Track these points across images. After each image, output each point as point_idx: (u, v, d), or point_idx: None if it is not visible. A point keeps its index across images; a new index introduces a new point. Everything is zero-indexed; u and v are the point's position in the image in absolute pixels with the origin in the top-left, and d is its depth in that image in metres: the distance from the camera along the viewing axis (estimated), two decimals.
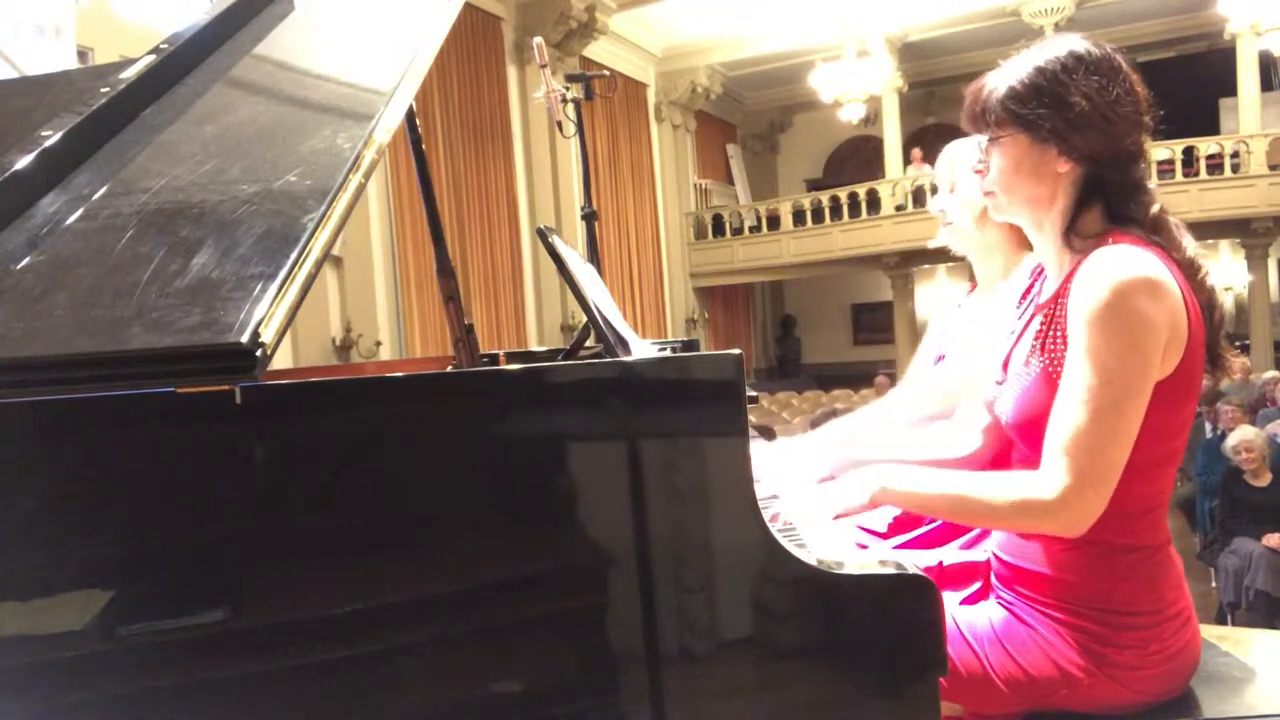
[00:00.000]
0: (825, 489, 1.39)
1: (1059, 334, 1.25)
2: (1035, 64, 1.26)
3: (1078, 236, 1.27)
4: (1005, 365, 1.39)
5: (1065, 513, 1.16)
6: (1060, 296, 1.27)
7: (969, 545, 1.60)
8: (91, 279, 1.02)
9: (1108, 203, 1.27)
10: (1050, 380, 1.24)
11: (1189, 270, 1.23)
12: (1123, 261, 1.18)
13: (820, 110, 13.37)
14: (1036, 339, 1.30)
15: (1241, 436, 5.04)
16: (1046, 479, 1.18)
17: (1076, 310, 1.20)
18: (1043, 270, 1.40)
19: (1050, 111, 1.23)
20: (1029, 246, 1.83)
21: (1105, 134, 1.23)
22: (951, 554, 1.53)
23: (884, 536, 1.79)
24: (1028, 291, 1.44)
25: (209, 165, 1.21)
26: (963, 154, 1.82)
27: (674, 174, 13.65)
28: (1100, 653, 1.24)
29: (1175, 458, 1.27)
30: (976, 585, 1.44)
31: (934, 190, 1.94)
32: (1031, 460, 1.29)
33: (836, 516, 1.36)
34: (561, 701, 1.06)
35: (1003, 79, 1.29)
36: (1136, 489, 1.21)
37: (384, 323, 8.33)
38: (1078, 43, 1.27)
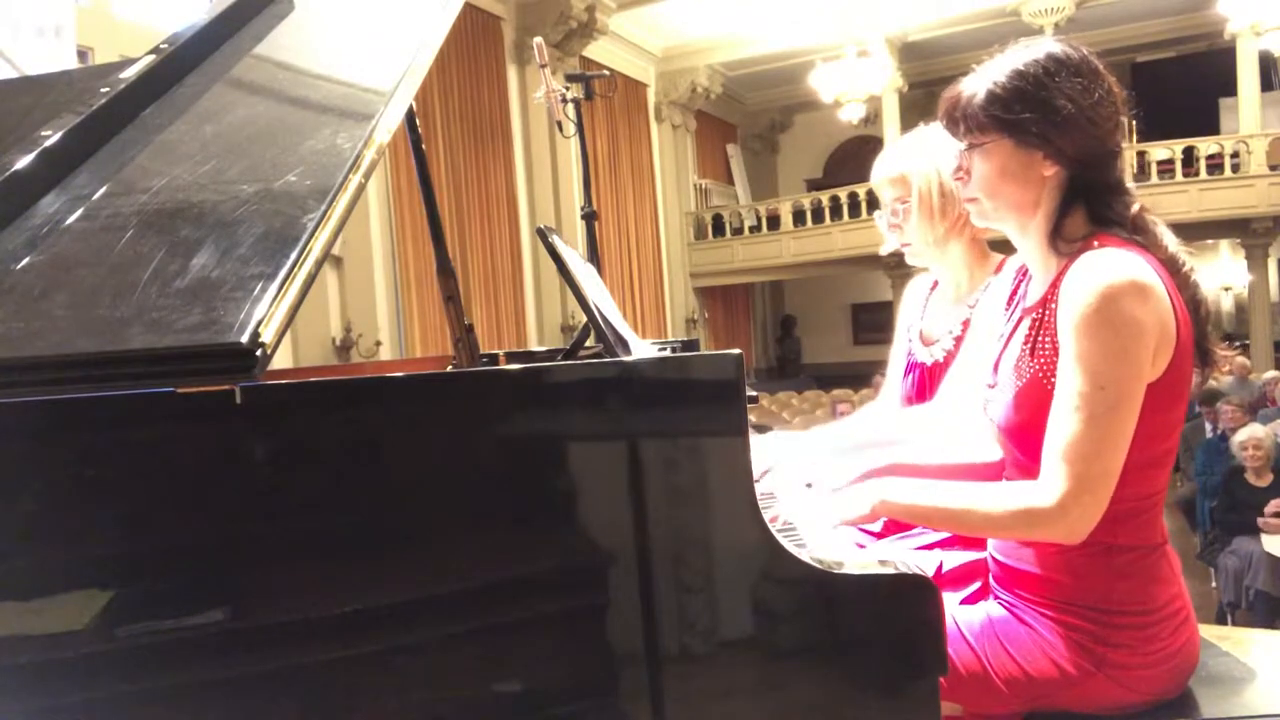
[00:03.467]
0: (827, 499, 1.39)
1: (1048, 338, 1.25)
2: (1015, 67, 1.25)
3: (1063, 240, 1.27)
4: (995, 369, 1.39)
5: (1064, 520, 1.16)
6: (1048, 300, 1.27)
7: (965, 545, 1.60)
8: (91, 279, 1.02)
9: (1090, 204, 1.27)
10: (1041, 385, 1.24)
11: (1172, 267, 1.24)
12: (1109, 265, 1.18)
13: (820, 110, 13.37)
14: (1026, 343, 1.30)
15: (1251, 433, 5.04)
16: (1044, 488, 1.18)
17: (1065, 316, 1.19)
18: (1027, 272, 1.40)
19: (1035, 115, 1.23)
20: (987, 257, 1.82)
21: (1090, 135, 1.23)
22: (951, 555, 1.53)
23: (879, 537, 1.79)
24: (1013, 294, 1.43)
25: (209, 165, 1.21)
26: (914, 173, 1.77)
27: (674, 174, 13.65)
28: (1099, 652, 1.24)
29: (1169, 457, 1.27)
30: (976, 585, 1.44)
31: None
32: (1024, 464, 1.29)
33: (838, 526, 1.37)
34: (562, 701, 1.06)
35: (981, 84, 1.27)
36: (1130, 489, 1.21)
37: (384, 323, 8.33)
38: (1054, 45, 1.26)
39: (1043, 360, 1.25)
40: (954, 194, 1.71)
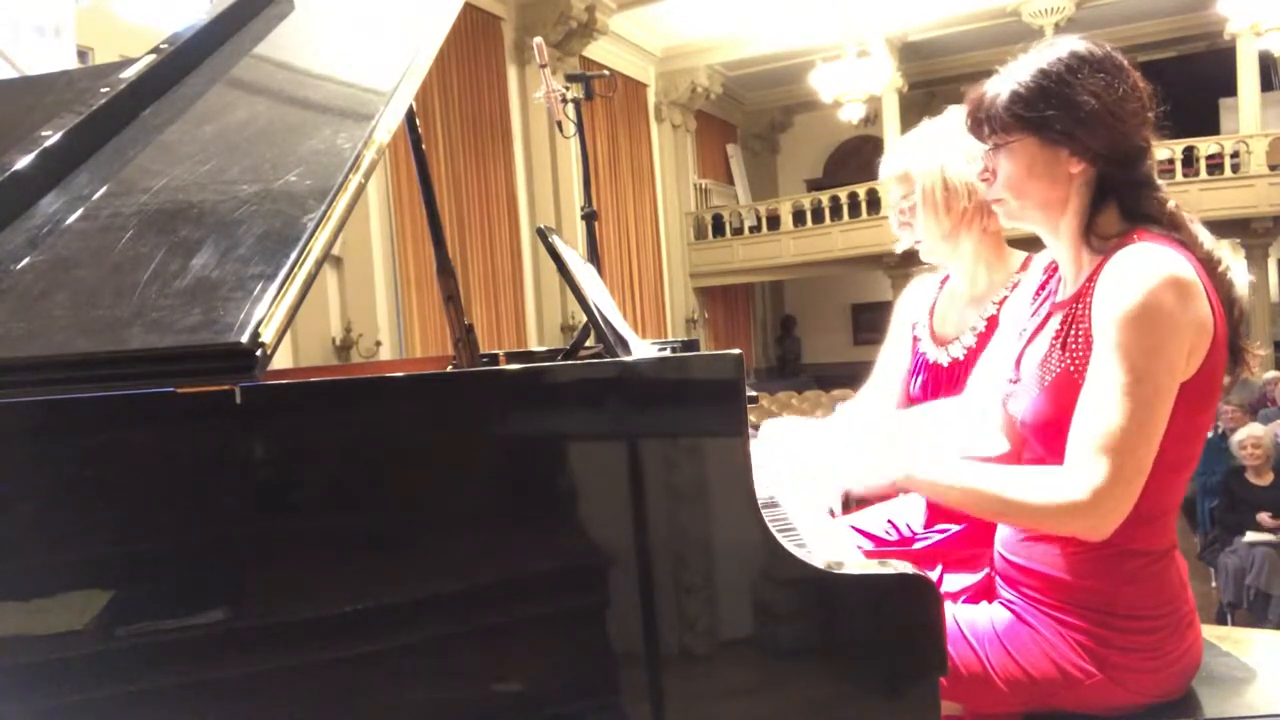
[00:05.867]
0: (846, 464, 1.32)
1: (1081, 334, 1.23)
2: (1038, 66, 1.25)
3: (1097, 237, 1.26)
4: (1018, 364, 1.37)
5: (1094, 513, 1.14)
6: (1083, 296, 1.25)
7: (965, 547, 1.59)
8: (92, 279, 1.02)
9: (1121, 201, 1.26)
10: (1072, 380, 1.22)
11: (1209, 265, 1.23)
12: (1150, 260, 1.17)
13: (820, 110, 13.36)
14: (1056, 339, 1.28)
15: (1250, 432, 5.05)
16: (1077, 478, 1.15)
17: (1104, 309, 1.18)
18: (1056, 268, 1.39)
19: (1059, 112, 1.22)
20: (1004, 250, 1.81)
21: (1116, 130, 1.23)
22: (951, 576, 1.52)
23: (879, 543, 1.78)
24: (1041, 289, 1.42)
25: (209, 165, 1.21)
26: (916, 170, 1.77)
27: (674, 174, 13.64)
28: (1102, 655, 1.24)
29: (1191, 462, 1.26)
30: (979, 576, 1.42)
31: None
32: (1046, 460, 1.28)
33: (853, 495, 1.33)
34: (561, 701, 1.06)
35: (1004, 84, 1.27)
36: (1152, 494, 1.18)
37: (384, 323, 8.33)
38: (1077, 43, 1.26)
39: (1074, 355, 1.24)
40: (958, 188, 1.71)
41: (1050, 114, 1.23)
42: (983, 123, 1.30)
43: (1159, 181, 1.28)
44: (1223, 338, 1.20)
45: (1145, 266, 1.16)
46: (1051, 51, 1.26)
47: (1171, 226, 1.24)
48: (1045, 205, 1.29)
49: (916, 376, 1.91)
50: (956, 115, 1.68)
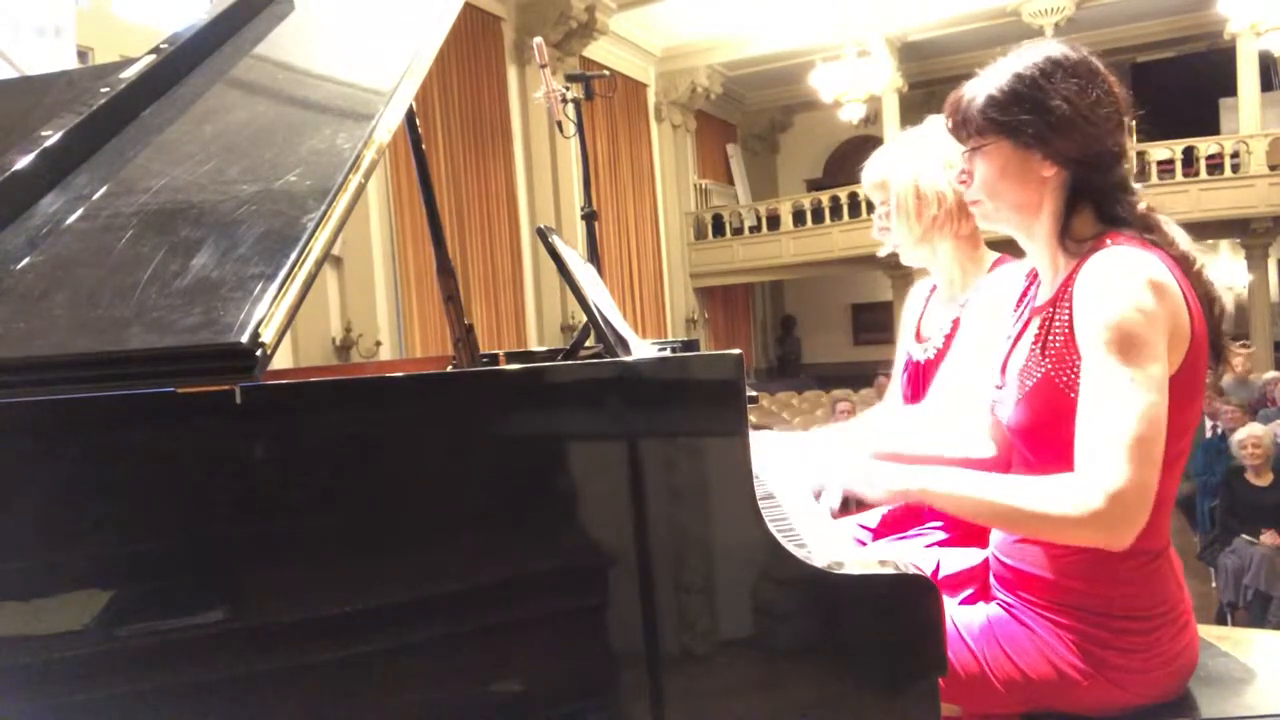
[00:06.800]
0: (853, 470, 1.34)
1: (1060, 337, 1.24)
2: (1013, 70, 1.27)
3: (1072, 240, 1.27)
4: (1003, 370, 1.38)
5: (1110, 518, 1.11)
6: (1059, 300, 1.26)
7: (964, 544, 1.59)
8: (91, 279, 1.02)
9: (1097, 205, 1.27)
10: (1053, 384, 1.23)
11: (1185, 265, 1.24)
12: (1124, 262, 1.18)
13: (820, 110, 13.35)
14: (1036, 343, 1.29)
15: (1250, 432, 5.05)
16: (1091, 484, 1.13)
17: (1086, 318, 1.19)
18: (1037, 274, 1.40)
19: (1031, 116, 1.24)
20: (979, 250, 1.83)
21: (1087, 135, 1.24)
22: (948, 557, 1.53)
23: (876, 535, 1.79)
24: (1023, 295, 1.43)
25: (209, 165, 1.21)
26: (892, 179, 1.82)
27: (674, 174, 13.64)
28: (1099, 656, 1.24)
29: (1180, 459, 1.25)
30: (970, 591, 1.44)
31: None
32: (1034, 464, 1.28)
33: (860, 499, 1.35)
34: (561, 701, 1.06)
35: (981, 87, 1.29)
36: None
37: (384, 323, 8.33)
38: (1054, 48, 1.28)
39: (1054, 358, 1.24)
40: (929, 197, 1.76)
41: (1023, 118, 1.24)
42: (960, 125, 1.32)
43: (1134, 185, 1.29)
44: (1201, 335, 1.21)
45: (1121, 269, 1.17)
46: (1028, 55, 1.27)
47: (1144, 228, 1.25)
48: (1019, 207, 1.30)
49: (905, 374, 1.98)
50: (935, 124, 1.74)
